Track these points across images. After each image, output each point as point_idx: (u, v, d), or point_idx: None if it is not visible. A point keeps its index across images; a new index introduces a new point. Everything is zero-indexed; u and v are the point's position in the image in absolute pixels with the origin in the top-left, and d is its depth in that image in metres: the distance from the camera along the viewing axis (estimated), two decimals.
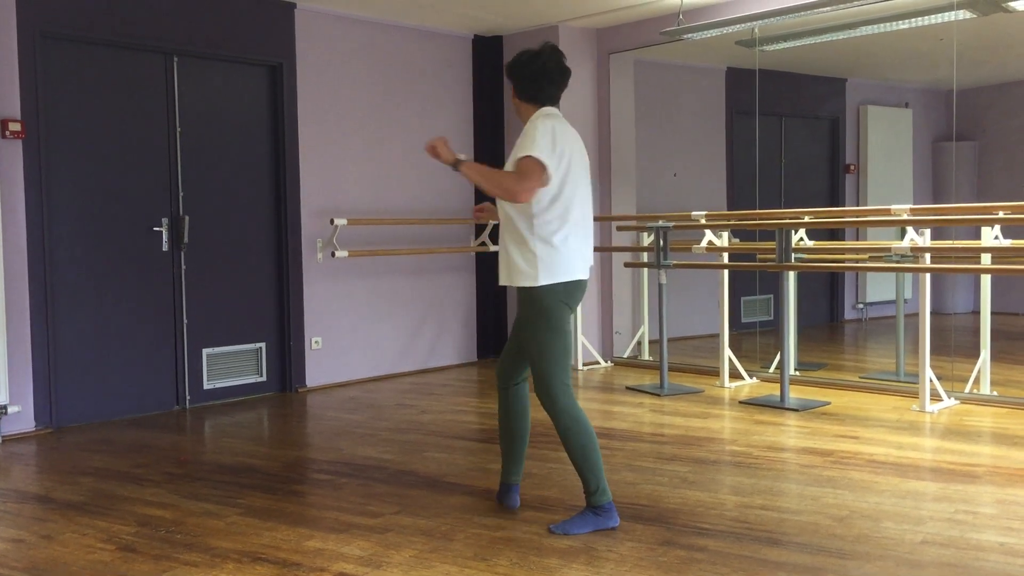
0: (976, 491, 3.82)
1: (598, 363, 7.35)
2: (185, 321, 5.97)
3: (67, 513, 3.81)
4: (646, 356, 7.39)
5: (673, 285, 6.43)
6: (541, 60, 3.52)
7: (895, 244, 5.41)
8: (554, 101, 3.55)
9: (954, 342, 6.23)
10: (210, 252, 6.09)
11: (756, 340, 7.31)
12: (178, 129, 5.92)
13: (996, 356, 5.81)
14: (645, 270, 7.28)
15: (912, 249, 5.26)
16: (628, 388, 6.37)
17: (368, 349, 6.92)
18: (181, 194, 5.94)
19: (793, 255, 5.66)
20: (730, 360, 6.35)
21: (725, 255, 6.31)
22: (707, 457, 4.48)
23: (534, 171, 3.32)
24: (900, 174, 8.18)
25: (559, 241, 3.40)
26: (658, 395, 6.08)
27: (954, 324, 6.93)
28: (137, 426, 5.50)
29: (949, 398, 5.49)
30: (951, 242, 5.96)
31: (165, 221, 5.89)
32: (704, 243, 6.18)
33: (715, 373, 6.51)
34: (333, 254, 6.47)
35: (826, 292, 8.48)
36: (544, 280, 3.38)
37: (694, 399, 5.94)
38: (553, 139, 3.37)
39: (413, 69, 7.12)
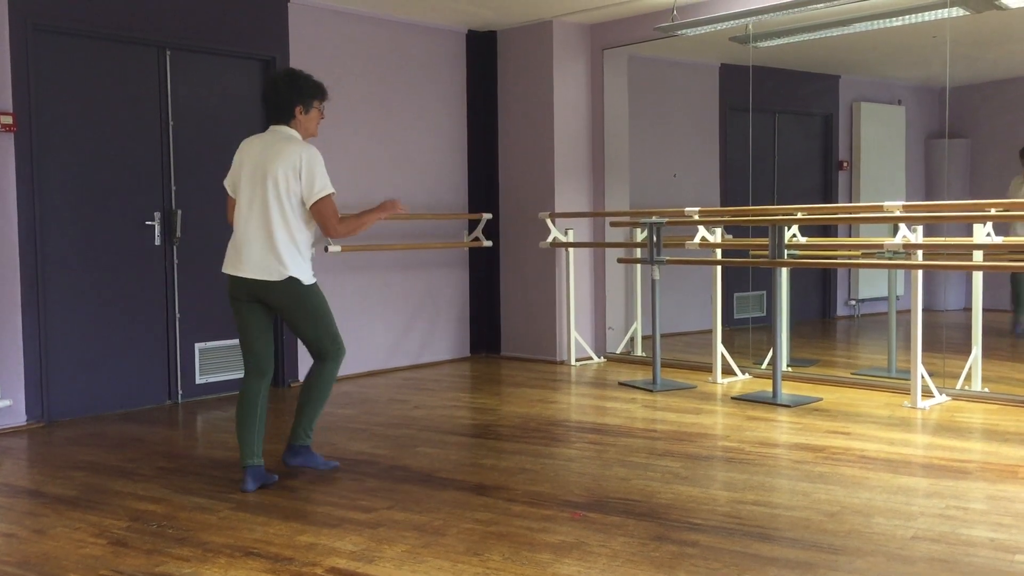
0: (967, 487, 3.84)
1: (591, 359, 7.35)
2: (177, 315, 5.96)
3: (59, 507, 3.80)
4: (639, 352, 7.40)
5: (666, 281, 6.44)
6: None
7: (887, 241, 5.42)
8: (269, 121, 4.12)
9: (946, 339, 6.24)
10: (203, 246, 6.07)
11: (749, 336, 7.33)
12: (170, 123, 5.91)
13: (987, 353, 5.83)
14: (638, 266, 7.29)
15: (904, 246, 5.27)
16: (621, 384, 6.37)
17: (360, 344, 6.91)
18: (173, 188, 5.92)
19: (786, 251, 5.67)
20: (723, 356, 6.36)
21: (718, 251, 6.32)
22: (699, 453, 4.49)
23: None
24: (893, 171, 8.19)
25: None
26: (651, 391, 6.08)
27: (946, 321, 6.95)
28: (129, 420, 5.49)
29: (940, 394, 5.51)
30: (943, 239, 5.97)
31: (157, 215, 5.87)
32: (697, 239, 6.18)
33: (708, 369, 6.52)
34: (326, 249, 6.46)
35: (818, 288, 8.49)
36: None
37: (687, 395, 5.95)
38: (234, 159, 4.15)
39: (407, 64, 7.11)
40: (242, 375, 6.24)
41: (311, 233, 4.07)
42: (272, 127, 4.10)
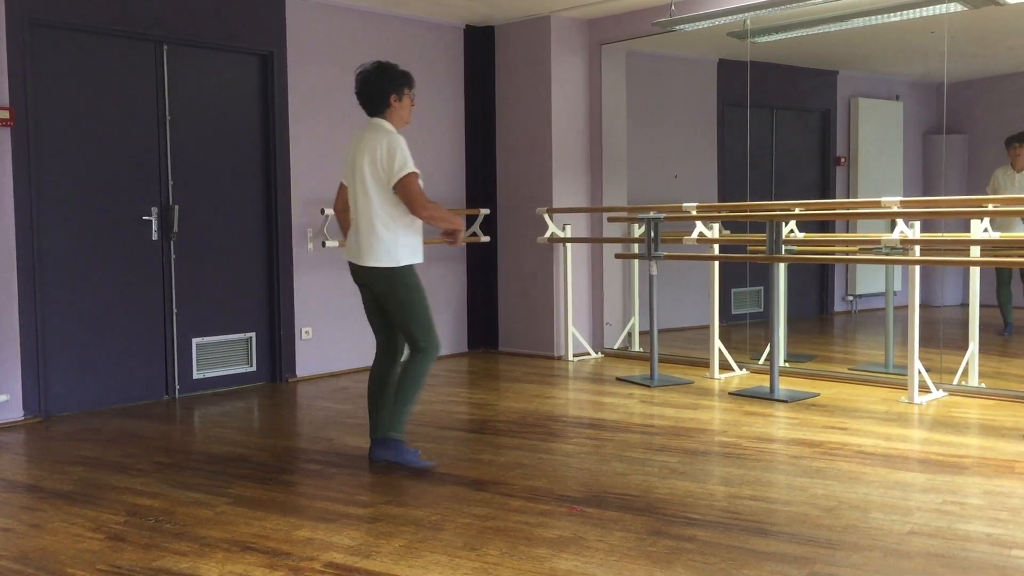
0: (963, 482, 3.85)
1: (589, 354, 7.36)
2: (175, 310, 5.95)
3: (56, 502, 3.80)
4: (636, 347, 7.40)
5: (664, 276, 6.44)
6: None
7: (885, 236, 5.43)
8: (368, 114, 4.25)
9: (943, 334, 6.25)
10: (200, 241, 6.06)
11: (746, 332, 7.33)
12: (168, 118, 5.89)
13: (984, 348, 5.84)
14: (636, 261, 7.29)
15: (902, 241, 5.27)
16: (618, 379, 6.38)
17: (358, 339, 6.88)
18: (171, 183, 5.91)
19: (783, 247, 5.67)
20: (720, 351, 6.37)
21: (716, 247, 6.32)
22: (697, 448, 4.49)
23: None
24: (890, 167, 8.19)
25: None
26: (648, 386, 6.09)
27: (943, 316, 6.96)
28: (126, 415, 5.49)
29: (937, 390, 5.52)
30: (940, 235, 5.98)
31: (155, 210, 5.86)
32: (695, 234, 6.18)
33: (705, 364, 6.52)
34: (324, 244, 6.45)
35: (816, 284, 8.50)
36: None
37: (684, 390, 5.95)
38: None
39: (404, 59, 7.01)
40: (240, 370, 6.32)
41: (408, 218, 4.20)
42: (370, 120, 4.24)
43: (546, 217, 7.14)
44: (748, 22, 6.58)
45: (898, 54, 7.79)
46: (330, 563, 3.07)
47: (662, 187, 7.93)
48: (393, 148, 4.07)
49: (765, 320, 6.70)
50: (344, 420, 5.28)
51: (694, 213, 6.30)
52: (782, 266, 6.32)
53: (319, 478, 4.11)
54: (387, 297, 4.20)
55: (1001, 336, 7.09)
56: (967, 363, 5.63)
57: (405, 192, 4.09)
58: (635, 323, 7.40)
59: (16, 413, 5.28)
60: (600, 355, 7.40)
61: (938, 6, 5.78)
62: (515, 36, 7.44)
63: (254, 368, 6.38)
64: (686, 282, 7.72)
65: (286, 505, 3.73)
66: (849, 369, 6.39)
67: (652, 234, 6.09)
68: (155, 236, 5.87)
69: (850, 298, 8.47)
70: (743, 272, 7.63)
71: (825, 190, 8.24)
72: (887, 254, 5.72)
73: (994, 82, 7.65)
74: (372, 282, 4.20)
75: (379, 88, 4.18)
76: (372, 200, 4.12)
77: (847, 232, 7.56)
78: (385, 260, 4.14)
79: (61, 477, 4.18)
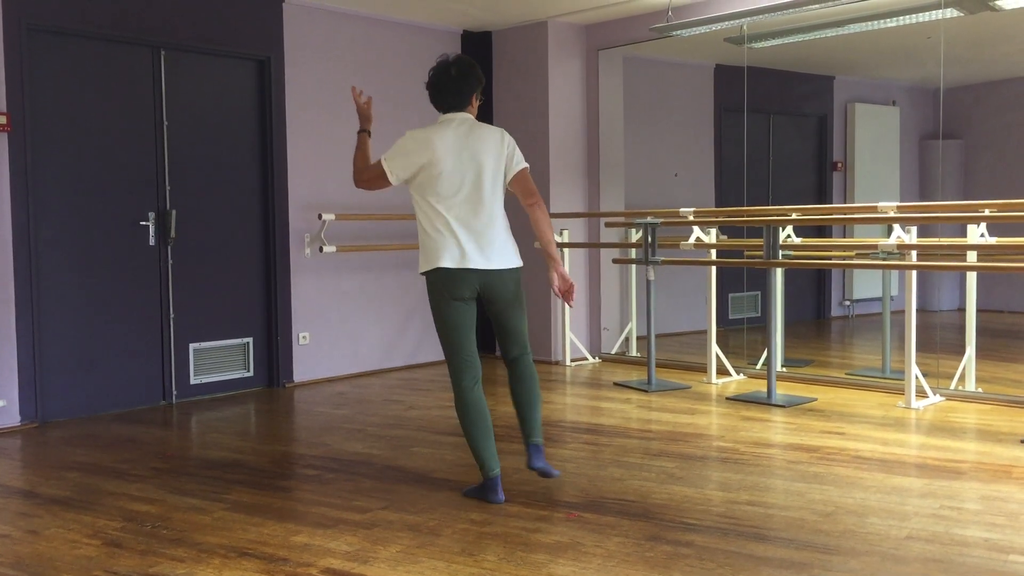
0: (961, 487, 3.85)
1: (586, 359, 7.36)
2: (172, 316, 5.95)
3: (52, 508, 3.79)
4: (634, 352, 7.40)
5: (661, 281, 6.45)
6: (430, 75, 3.97)
7: (882, 241, 5.44)
8: (447, 109, 3.94)
9: (940, 339, 6.26)
10: (197, 247, 6.06)
11: (743, 336, 7.33)
12: (165, 123, 5.89)
13: (981, 353, 5.85)
14: (633, 266, 7.30)
15: (899, 246, 5.28)
16: (616, 384, 6.38)
17: (355, 344, 6.90)
18: (168, 188, 5.91)
19: (780, 252, 5.68)
20: (717, 356, 6.37)
21: (713, 251, 6.33)
22: (694, 453, 4.49)
23: (371, 169, 3.95)
24: (887, 172, 8.21)
25: (429, 231, 3.82)
26: (645, 391, 6.09)
27: (940, 321, 6.97)
28: (123, 421, 5.48)
29: (934, 395, 5.52)
30: (937, 240, 5.99)
31: (152, 215, 5.86)
32: (692, 239, 6.19)
33: (702, 369, 6.52)
34: (321, 249, 6.46)
35: (813, 289, 8.51)
36: (421, 267, 3.88)
37: (681, 395, 5.95)
38: (402, 146, 3.88)
39: (402, 64, 7.10)
40: (237, 375, 6.32)
41: None
42: (450, 115, 3.92)
43: None
44: (745, 28, 6.59)
45: (895, 59, 7.81)
46: (327, 569, 3.07)
47: (659, 192, 7.94)
48: (512, 140, 3.91)
49: (762, 325, 6.70)
50: (341, 425, 5.27)
51: (691, 218, 6.31)
52: (779, 271, 6.32)
53: (316, 483, 4.11)
54: (513, 299, 3.90)
55: None
56: (964, 368, 5.64)
57: (527, 183, 3.88)
58: (632, 328, 7.40)
59: (12, 419, 5.27)
60: (597, 360, 7.40)
61: (934, 11, 5.81)
62: (513, 41, 7.45)
63: (251, 373, 6.37)
64: (683, 287, 7.73)
65: (283, 511, 3.73)
66: (846, 374, 6.40)
67: (649, 239, 6.10)
68: (152, 241, 5.86)
69: (847, 303, 8.48)
70: (740, 277, 7.63)
71: (822, 195, 8.26)
72: (884, 259, 5.73)
73: (990, 87, 7.67)
74: (504, 286, 3.83)
75: (464, 85, 3.92)
76: (498, 198, 3.84)
77: (844, 237, 7.57)
78: (519, 259, 3.89)
79: (57, 483, 4.17)
